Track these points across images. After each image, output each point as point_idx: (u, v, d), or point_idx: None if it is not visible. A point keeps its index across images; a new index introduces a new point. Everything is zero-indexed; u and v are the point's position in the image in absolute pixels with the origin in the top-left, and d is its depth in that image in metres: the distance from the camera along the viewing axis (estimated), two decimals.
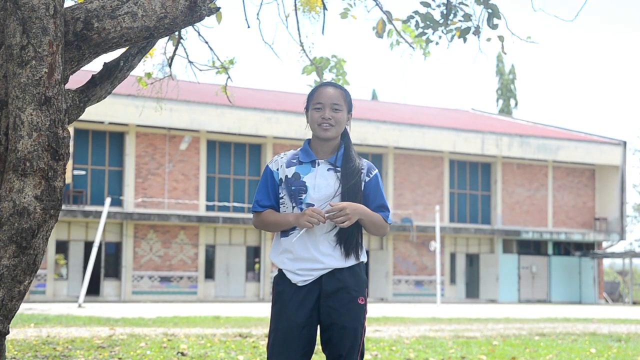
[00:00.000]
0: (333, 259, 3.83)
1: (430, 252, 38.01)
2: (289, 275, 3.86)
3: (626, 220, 45.05)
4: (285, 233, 3.89)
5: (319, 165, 3.89)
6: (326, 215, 3.76)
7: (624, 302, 42.06)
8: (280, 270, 3.92)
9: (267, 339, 3.92)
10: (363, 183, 3.89)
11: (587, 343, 12.15)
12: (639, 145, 59.98)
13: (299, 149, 3.98)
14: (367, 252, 38.74)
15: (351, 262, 3.86)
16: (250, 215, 35.35)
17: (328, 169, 3.89)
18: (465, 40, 6.72)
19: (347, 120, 3.96)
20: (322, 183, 3.86)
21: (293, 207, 3.86)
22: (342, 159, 3.90)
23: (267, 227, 3.93)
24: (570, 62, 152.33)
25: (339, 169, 3.88)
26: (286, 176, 3.89)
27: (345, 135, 3.96)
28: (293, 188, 3.86)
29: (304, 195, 3.84)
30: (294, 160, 3.93)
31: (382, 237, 38.54)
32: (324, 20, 7.40)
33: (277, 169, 3.93)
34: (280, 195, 3.91)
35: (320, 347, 3.95)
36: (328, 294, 3.82)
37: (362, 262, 3.92)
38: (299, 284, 3.84)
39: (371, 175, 3.92)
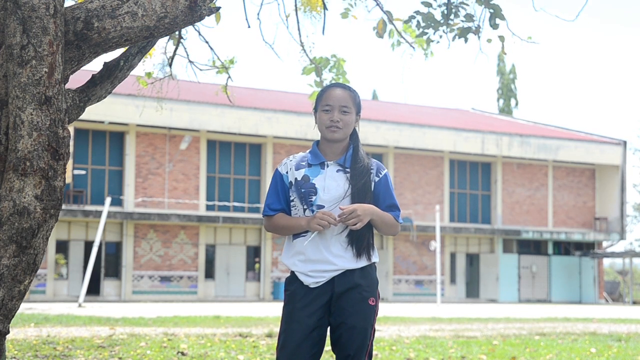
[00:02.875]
0: (345, 260, 3.84)
1: (431, 251, 38.01)
2: (300, 277, 3.86)
3: (626, 219, 45.04)
4: (297, 235, 3.89)
5: (328, 166, 3.89)
6: (337, 218, 3.76)
7: (624, 302, 42.06)
8: (292, 272, 3.92)
9: (277, 340, 3.92)
10: (373, 183, 3.89)
11: (587, 343, 12.15)
12: (639, 145, 59.98)
13: (307, 151, 3.98)
14: None
15: (363, 262, 3.86)
16: (251, 215, 35.56)
17: (337, 170, 3.89)
18: (466, 40, 6.72)
19: (356, 121, 3.95)
20: (331, 184, 3.86)
21: (304, 210, 3.87)
22: (350, 159, 3.90)
23: (279, 231, 3.93)
24: (570, 62, 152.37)
25: (348, 169, 3.88)
26: (296, 179, 3.89)
27: (354, 135, 3.96)
28: (303, 190, 3.86)
29: (314, 197, 3.84)
30: (303, 163, 3.93)
31: (382, 237, 38.52)
32: (324, 20, 7.40)
33: (287, 172, 3.93)
34: (291, 198, 3.91)
35: (330, 346, 3.96)
36: (339, 295, 3.83)
37: (374, 262, 3.92)
38: (311, 286, 3.84)
39: (381, 175, 3.91)
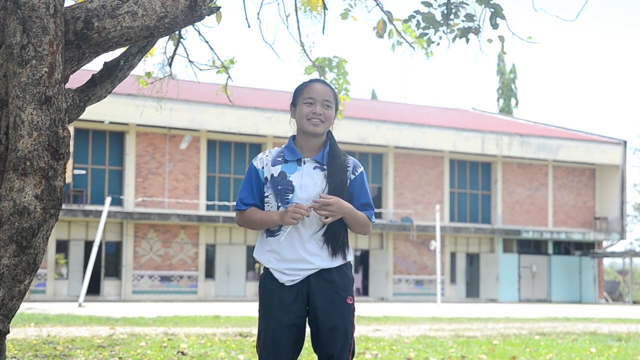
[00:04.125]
0: (321, 259, 3.82)
1: (431, 251, 38.01)
2: (276, 275, 3.84)
3: (626, 219, 45.03)
4: (271, 232, 3.86)
5: (305, 163, 3.86)
6: (312, 204, 3.74)
7: (624, 302, 42.06)
8: (266, 269, 3.89)
9: (256, 339, 3.92)
10: (348, 181, 3.87)
11: (587, 342, 12.15)
12: (639, 144, 59.98)
13: (283, 146, 3.94)
14: (367, 252, 38.74)
15: (338, 262, 3.84)
16: None
17: (314, 167, 3.86)
18: (467, 40, 6.72)
19: (334, 118, 3.95)
20: (308, 182, 3.83)
21: (278, 207, 3.83)
22: (328, 156, 3.88)
23: (251, 226, 3.89)
24: (570, 62, 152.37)
25: (325, 167, 3.86)
26: (272, 175, 3.86)
27: (329, 133, 3.94)
28: (279, 187, 3.83)
29: (290, 195, 3.82)
30: (280, 159, 3.89)
31: (382, 236, 38.52)
32: (324, 20, 7.40)
33: (262, 168, 3.89)
34: (266, 194, 3.87)
35: (311, 345, 3.94)
36: (316, 294, 3.81)
37: (349, 261, 3.90)
38: (287, 284, 3.82)
39: (356, 173, 3.90)
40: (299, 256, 3.81)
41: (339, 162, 3.86)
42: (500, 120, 47.87)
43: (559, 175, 43.04)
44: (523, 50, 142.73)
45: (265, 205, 3.87)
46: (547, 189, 42.58)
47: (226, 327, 14.76)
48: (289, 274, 3.82)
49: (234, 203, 35.78)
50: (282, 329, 3.78)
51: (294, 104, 3.93)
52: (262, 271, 3.93)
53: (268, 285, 3.87)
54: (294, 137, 3.93)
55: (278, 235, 3.83)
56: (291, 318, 3.79)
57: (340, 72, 8.17)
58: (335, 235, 3.82)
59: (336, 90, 6.34)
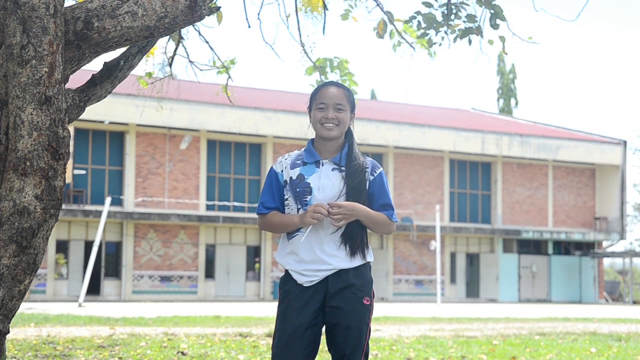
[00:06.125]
0: (339, 259, 3.84)
1: (431, 251, 38.01)
2: (295, 276, 3.88)
3: (626, 219, 45.02)
4: (291, 234, 3.90)
5: (323, 165, 3.90)
6: (327, 205, 3.77)
7: (624, 302, 42.06)
8: (287, 271, 3.93)
9: (272, 339, 3.93)
10: (367, 182, 3.89)
11: (587, 342, 12.15)
12: (639, 145, 59.97)
13: (303, 150, 3.98)
14: None
15: (357, 262, 3.87)
16: (251, 215, 35.55)
17: (332, 169, 3.89)
18: (470, 42, 6.71)
19: (351, 119, 3.96)
20: (326, 183, 3.86)
21: (298, 209, 3.87)
22: (346, 158, 3.90)
23: (272, 229, 3.94)
24: (570, 62, 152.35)
25: (343, 168, 3.88)
26: (291, 178, 3.89)
27: (349, 134, 3.96)
28: (298, 190, 3.86)
29: (309, 197, 3.85)
30: (298, 162, 3.93)
31: (382, 237, 38.50)
32: (324, 20, 7.40)
33: (282, 171, 3.93)
34: (285, 197, 3.91)
35: (325, 346, 3.96)
36: (333, 294, 3.83)
37: (369, 262, 3.92)
38: (305, 285, 3.85)
39: (375, 174, 3.92)
40: (316, 257, 3.84)
41: (357, 163, 3.88)
42: (500, 120, 47.88)
43: (559, 175, 43.04)
44: (523, 50, 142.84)
45: (286, 208, 3.91)
46: (547, 189, 42.58)
47: (226, 327, 14.76)
48: (307, 275, 3.85)
49: (234, 203, 36.03)
50: (297, 330, 3.81)
51: (310, 108, 3.97)
52: (277, 272, 3.97)
53: (286, 286, 3.91)
54: (312, 140, 3.97)
55: (297, 236, 3.86)
56: (307, 320, 3.82)
57: (344, 74, 8.16)
58: (353, 236, 3.85)
59: None
